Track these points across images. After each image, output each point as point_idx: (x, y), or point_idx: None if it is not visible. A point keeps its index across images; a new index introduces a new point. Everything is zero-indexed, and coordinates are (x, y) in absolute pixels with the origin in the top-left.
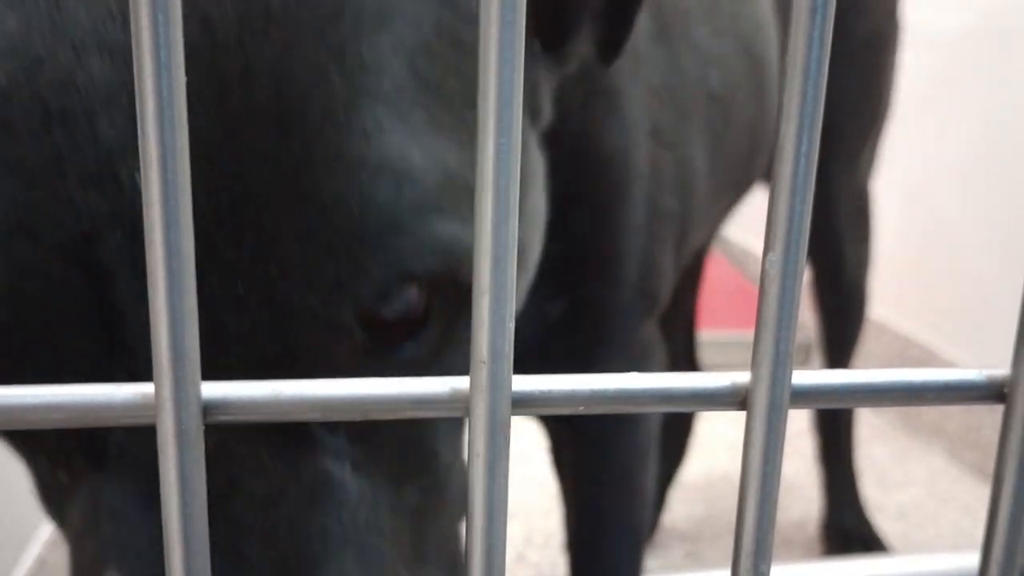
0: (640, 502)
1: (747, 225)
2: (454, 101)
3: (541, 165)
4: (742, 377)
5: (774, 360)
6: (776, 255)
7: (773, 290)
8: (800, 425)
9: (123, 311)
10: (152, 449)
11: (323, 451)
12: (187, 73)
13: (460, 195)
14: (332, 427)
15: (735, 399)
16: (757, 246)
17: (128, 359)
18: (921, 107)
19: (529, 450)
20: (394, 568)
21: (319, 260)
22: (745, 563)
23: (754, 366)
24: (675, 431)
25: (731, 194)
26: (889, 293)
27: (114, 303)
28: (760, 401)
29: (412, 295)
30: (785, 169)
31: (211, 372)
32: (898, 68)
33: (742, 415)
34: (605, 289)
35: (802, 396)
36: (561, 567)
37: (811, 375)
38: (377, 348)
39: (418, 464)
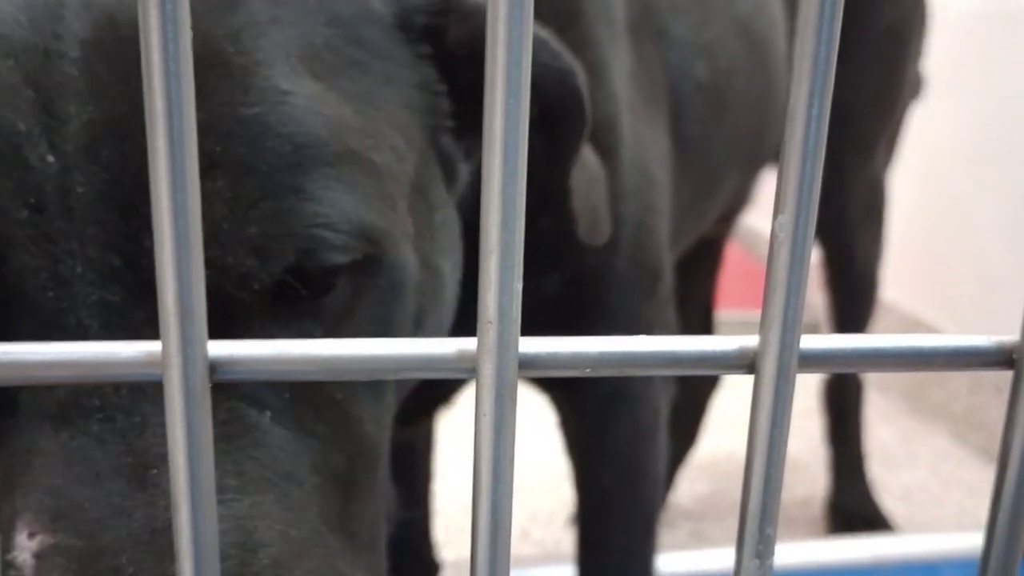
0: (647, 482)
1: (756, 206)
2: (348, 86)
3: (456, 228)
4: (750, 341)
5: (783, 324)
6: (786, 218)
7: (783, 254)
8: (806, 405)
9: (19, 284)
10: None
11: (240, 394)
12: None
13: (363, 171)
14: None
15: (743, 362)
16: (766, 227)
17: (32, 329)
18: (934, 88)
19: (533, 428)
20: (316, 530)
21: (225, 223)
22: (751, 526)
23: (762, 330)
24: (687, 412)
25: (737, 174)
26: (897, 273)
27: (10, 278)
28: (768, 365)
29: (331, 259)
30: (796, 132)
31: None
32: (922, 56)
33: (748, 393)
34: (599, 257)
35: (810, 360)
36: (565, 544)
37: (819, 339)
38: (283, 301)
39: (343, 428)
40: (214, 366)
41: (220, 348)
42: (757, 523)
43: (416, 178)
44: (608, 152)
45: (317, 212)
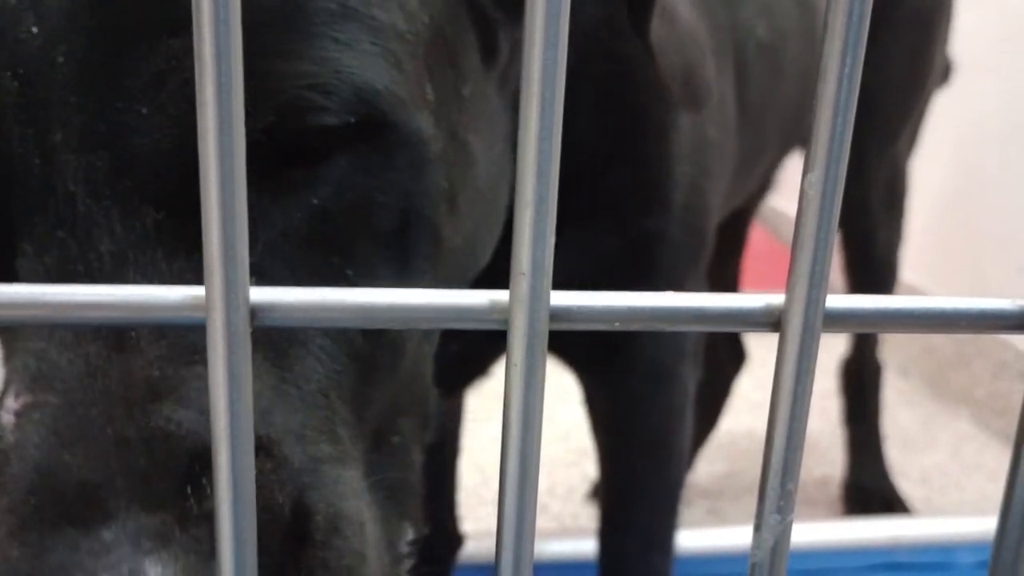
0: (675, 462)
1: (779, 187)
2: None
3: (495, 104)
4: (776, 299)
5: (809, 281)
6: (815, 175)
7: (811, 211)
8: (825, 386)
9: (9, 153)
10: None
11: None
12: None
13: (361, 28)
14: None
15: (768, 320)
16: (789, 208)
17: (24, 196)
18: (964, 69)
19: (553, 404)
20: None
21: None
22: (773, 481)
23: (789, 287)
24: (712, 395)
25: (779, 145)
26: (924, 256)
27: (2, 145)
28: (794, 322)
29: (318, 122)
30: (828, 88)
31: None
32: (946, 44)
33: (767, 376)
34: (655, 220)
35: (835, 319)
36: (583, 519)
37: (845, 299)
38: (276, 172)
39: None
40: (255, 311)
41: (262, 294)
42: (779, 479)
43: (435, 40)
44: (673, 105)
45: (303, 71)
